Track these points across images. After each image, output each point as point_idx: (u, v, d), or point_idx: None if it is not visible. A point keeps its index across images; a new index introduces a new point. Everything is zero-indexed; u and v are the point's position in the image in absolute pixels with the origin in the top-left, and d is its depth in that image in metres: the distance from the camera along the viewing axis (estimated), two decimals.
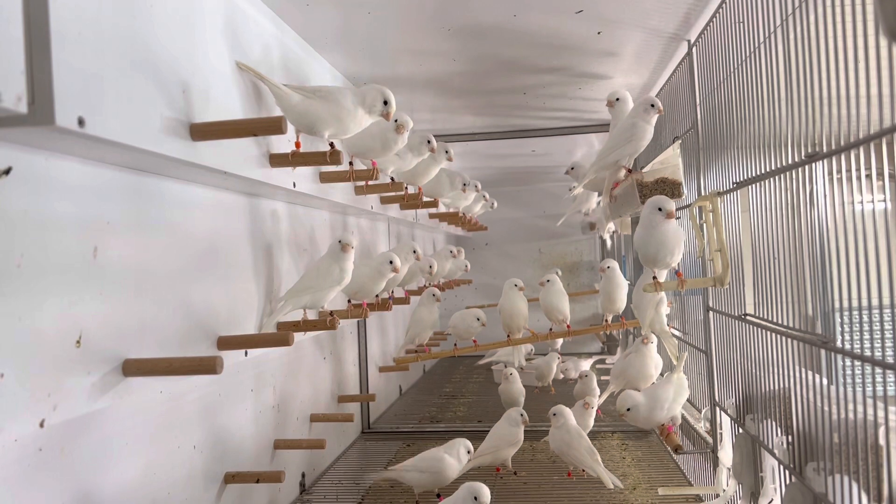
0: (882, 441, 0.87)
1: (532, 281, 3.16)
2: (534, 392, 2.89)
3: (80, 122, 0.77)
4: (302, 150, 1.33)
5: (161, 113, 0.95)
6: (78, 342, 0.90)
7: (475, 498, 1.36)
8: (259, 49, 1.35)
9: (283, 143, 1.34)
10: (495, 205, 3.27)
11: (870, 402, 0.88)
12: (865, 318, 0.87)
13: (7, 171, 0.80)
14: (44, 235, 0.86)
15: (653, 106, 1.70)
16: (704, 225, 1.46)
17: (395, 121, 1.53)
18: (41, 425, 0.83)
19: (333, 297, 1.48)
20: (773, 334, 1.20)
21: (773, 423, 1.23)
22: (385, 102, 1.33)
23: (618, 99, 1.90)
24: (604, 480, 1.68)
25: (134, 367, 0.99)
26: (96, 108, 0.80)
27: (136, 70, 0.91)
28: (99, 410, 0.98)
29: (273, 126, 1.08)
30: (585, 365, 3.14)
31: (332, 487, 1.90)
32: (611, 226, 3.24)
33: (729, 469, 1.54)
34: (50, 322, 0.85)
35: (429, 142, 1.84)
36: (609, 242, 3.32)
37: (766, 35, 1.18)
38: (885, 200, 0.87)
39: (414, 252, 1.95)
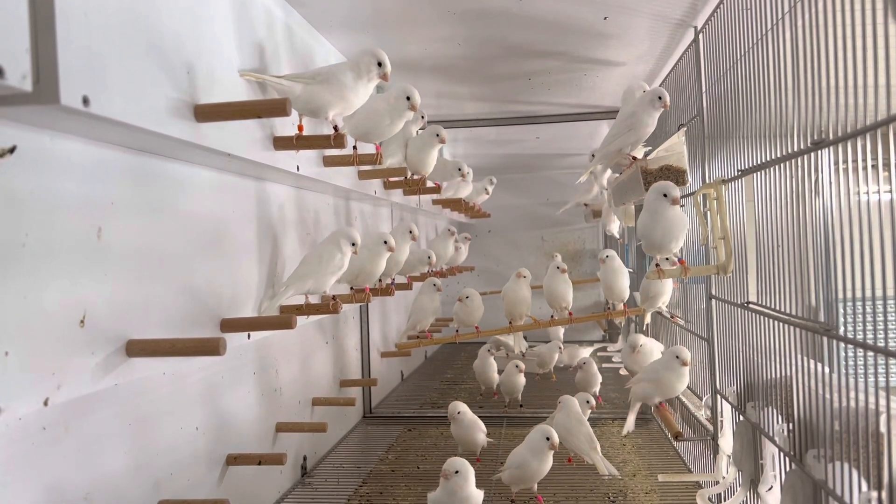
0: (883, 429, 0.87)
1: (535, 268, 3.15)
2: (535, 379, 2.89)
3: (85, 101, 0.77)
4: (305, 133, 1.33)
5: (166, 93, 0.95)
6: (82, 322, 0.90)
7: (456, 472, 1.37)
8: (264, 30, 1.34)
9: (287, 126, 1.34)
10: (493, 182, 3.17)
11: (871, 389, 0.88)
12: (869, 308, 0.87)
13: (12, 150, 0.80)
14: (49, 215, 0.86)
15: (660, 98, 1.69)
16: (708, 212, 1.46)
17: (408, 98, 1.52)
18: (45, 404, 0.83)
19: (335, 282, 1.48)
20: (776, 322, 1.20)
21: (774, 411, 1.23)
22: (379, 64, 1.32)
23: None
24: (599, 468, 1.69)
25: (137, 348, 0.99)
26: (101, 87, 0.80)
27: (141, 50, 0.90)
28: (103, 390, 0.99)
29: (277, 108, 1.08)
30: (586, 353, 3.15)
31: (334, 471, 1.91)
32: (614, 224, 3.23)
33: (729, 456, 1.55)
34: (54, 302, 0.86)
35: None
36: (616, 232, 3.30)
37: (774, 22, 1.17)
38: (891, 191, 0.87)
39: (410, 232, 1.95)
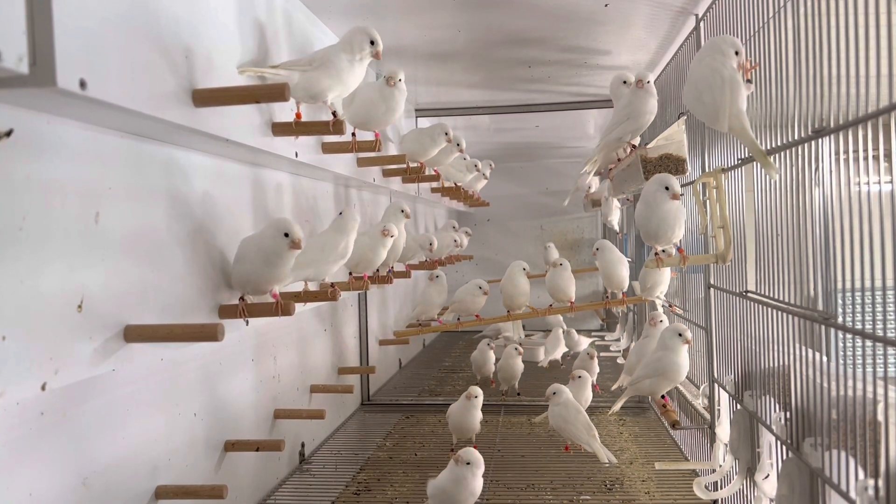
0: (880, 417, 0.87)
1: (534, 257, 3.13)
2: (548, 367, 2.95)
3: (82, 84, 0.76)
4: (304, 119, 1.32)
5: (163, 78, 0.95)
6: (79, 307, 0.90)
7: (468, 463, 1.38)
8: (263, 16, 1.33)
9: (286, 112, 1.33)
10: (491, 165, 3.16)
11: (869, 378, 0.88)
12: (868, 298, 0.87)
13: (8, 133, 0.79)
14: (46, 199, 0.85)
15: (649, 83, 1.68)
16: (708, 201, 1.46)
17: (388, 78, 1.51)
18: (43, 389, 0.83)
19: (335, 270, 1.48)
20: (774, 311, 1.20)
21: (772, 400, 1.24)
22: (372, 42, 1.31)
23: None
24: (599, 456, 1.69)
25: (135, 333, 0.99)
26: (98, 70, 0.79)
27: (139, 34, 0.90)
28: (100, 376, 0.99)
29: (276, 93, 1.07)
30: (584, 342, 3.15)
31: (332, 458, 1.92)
32: (614, 215, 3.21)
33: (726, 445, 1.55)
34: (52, 286, 0.85)
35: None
36: (615, 224, 3.28)
37: (776, 10, 1.17)
38: (891, 181, 0.86)
39: (402, 211, 1.96)
